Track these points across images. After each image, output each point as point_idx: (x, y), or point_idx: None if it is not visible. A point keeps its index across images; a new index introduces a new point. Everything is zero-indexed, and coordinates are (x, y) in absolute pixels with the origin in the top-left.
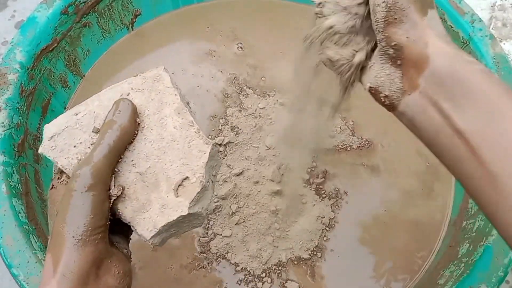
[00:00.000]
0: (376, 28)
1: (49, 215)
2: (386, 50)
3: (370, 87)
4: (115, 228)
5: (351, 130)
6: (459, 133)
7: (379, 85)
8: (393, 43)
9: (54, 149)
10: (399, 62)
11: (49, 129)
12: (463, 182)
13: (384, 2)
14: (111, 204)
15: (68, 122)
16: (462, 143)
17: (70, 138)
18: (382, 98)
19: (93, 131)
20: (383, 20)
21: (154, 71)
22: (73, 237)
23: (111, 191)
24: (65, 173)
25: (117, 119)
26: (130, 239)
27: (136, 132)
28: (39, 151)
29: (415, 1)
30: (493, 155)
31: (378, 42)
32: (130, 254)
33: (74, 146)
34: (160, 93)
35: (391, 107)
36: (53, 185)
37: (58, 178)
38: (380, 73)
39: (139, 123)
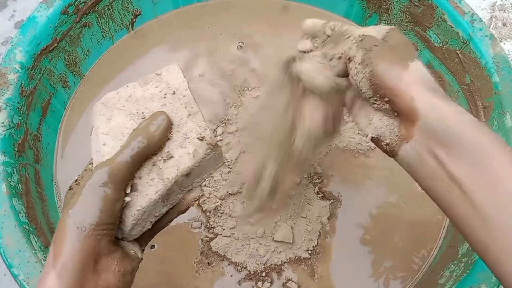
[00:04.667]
0: (366, 95)
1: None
2: (381, 106)
3: (372, 137)
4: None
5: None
6: (453, 178)
7: (380, 135)
8: (385, 99)
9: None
10: (396, 113)
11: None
12: (456, 223)
13: (363, 78)
14: (123, 206)
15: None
16: (456, 187)
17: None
18: (384, 146)
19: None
20: (369, 88)
21: (171, 71)
22: (78, 227)
23: (127, 192)
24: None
25: (150, 130)
26: (143, 247)
27: (163, 146)
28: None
29: (392, 62)
30: (484, 199)
31: (371, 102)
32: (140, 257)
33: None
34: (183, 100)
35: (392, 153)
36: (71, 187)
37: (76, 180)
38: (379, 124)
39: (169, 138)
